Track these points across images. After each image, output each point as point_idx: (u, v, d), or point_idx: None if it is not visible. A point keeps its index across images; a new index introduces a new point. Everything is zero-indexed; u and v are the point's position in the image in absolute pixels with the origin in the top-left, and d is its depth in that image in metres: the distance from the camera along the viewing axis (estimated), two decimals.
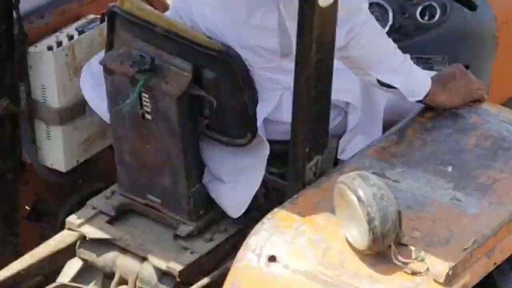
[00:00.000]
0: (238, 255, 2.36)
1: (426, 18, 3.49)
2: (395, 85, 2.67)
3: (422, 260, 2.19)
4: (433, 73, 2.90)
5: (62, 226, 2.97)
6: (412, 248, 2.21)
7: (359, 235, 2.17)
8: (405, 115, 2.90)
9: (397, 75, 2.70)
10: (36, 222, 3.35)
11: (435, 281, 2.14)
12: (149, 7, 2.85)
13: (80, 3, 3.33)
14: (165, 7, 3.28)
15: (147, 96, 2.71)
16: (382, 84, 2.68)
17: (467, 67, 3.01)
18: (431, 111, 2.83)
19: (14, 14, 3.05)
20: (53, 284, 2.89)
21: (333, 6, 2.34)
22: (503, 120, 2.90)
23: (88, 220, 2.98)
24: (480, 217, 2.39)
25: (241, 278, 2.36)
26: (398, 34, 3.34)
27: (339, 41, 2.54)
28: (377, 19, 2.98)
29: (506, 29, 3.63)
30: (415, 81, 2.76)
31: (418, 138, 2.80)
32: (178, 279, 2.76)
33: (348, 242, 2.25)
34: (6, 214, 3.19)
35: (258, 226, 2.38)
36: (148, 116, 2.74)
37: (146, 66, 2.67)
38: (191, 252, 2.80)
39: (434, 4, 3.52)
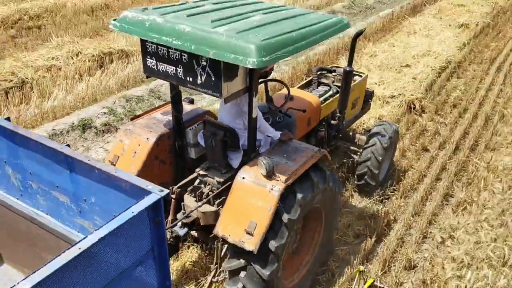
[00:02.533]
0: (235, 178, 5.91)
1: (279, 119, 7.09)
2: (271, 135, 6.52)
3: (276, 174, 5.95)
4: (280, 132, 6.52)
5: None
6: (277, 174, 5.94)
7: (264, 172, 5.75)
8: (275, 143, 6.52)
9: (271, 134, 6.50)
10: None
11: (281, 181, 5.95)
12: None
13: None
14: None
15: (213, 142, 6.27)
16: (268, 136, 6.53)
17: (290, 130, 6.93)
18: (282, 142, 6.40)
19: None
20: None
21: (255, 118, 5.89)
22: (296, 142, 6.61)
23: None
24: None
25: (235, 184, 5.92)
26: (272, 124, 6.84)
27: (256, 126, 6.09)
28: (265, 119, 6.82)
29: (300, 119, 7.27)
30: (276, 134, 6.53)
31: (278, 148, 6.30)
32: (220, 186, 6.27)
33: (262, 174, 5.75)
34: None
35: (240, 169, 6.03)
36: (213, 145, 6.29)
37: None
38: (222, 173, 6.28)
39: (280, 115, 7.15)
